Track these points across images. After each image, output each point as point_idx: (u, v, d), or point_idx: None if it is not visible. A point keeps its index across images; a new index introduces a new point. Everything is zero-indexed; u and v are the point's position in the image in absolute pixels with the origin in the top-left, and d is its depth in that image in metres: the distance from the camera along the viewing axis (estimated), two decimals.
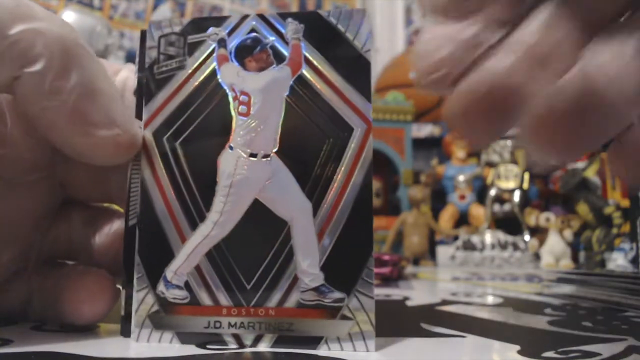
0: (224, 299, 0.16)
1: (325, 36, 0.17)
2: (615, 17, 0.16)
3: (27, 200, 0.18)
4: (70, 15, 0.84)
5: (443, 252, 0.77)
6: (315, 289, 0.16)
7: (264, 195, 0.17)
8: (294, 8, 1.52)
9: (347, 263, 0.16)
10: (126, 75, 0.20)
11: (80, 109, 0.16)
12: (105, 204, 0.22)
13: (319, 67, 0.17)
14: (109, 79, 0.17)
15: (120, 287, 0.18)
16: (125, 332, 0.17)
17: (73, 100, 0.15)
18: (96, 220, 0.20)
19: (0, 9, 0.14)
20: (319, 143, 0.17)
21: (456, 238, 0.80)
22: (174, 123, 0.17)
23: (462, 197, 0.89)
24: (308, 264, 0.16)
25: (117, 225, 0.20)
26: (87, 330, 0.18)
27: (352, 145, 0.17)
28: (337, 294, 0.16)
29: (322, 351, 0.16)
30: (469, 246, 0.74)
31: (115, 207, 0.22)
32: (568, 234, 0.69)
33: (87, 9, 1.17)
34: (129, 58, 1.24)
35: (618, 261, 0.54)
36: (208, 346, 0.16)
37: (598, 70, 0.15)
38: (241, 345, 0.16)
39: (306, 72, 0.17)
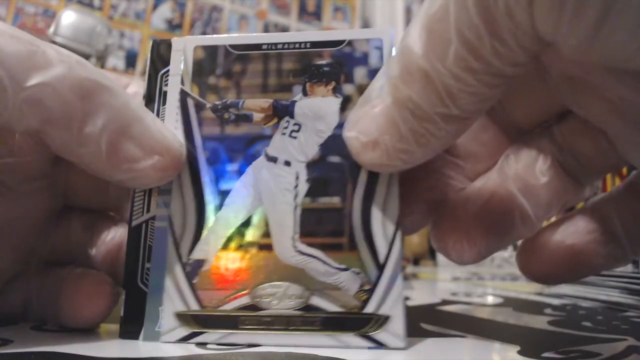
0: None
1: None
2: (533, 126, 0.17)
3: (30, 207, 0.18)
4: (70, 15, 0.84)
5: None
6: None
7: None
8: (294, 8, 1.52)
9: None
10: (135, 91, 0.20)
11: (115, 149, 0.15)
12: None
13: None
14: (134, 105, 0.16)
15: (122, 289, 0.17)
16: (125, 334, 0.17)
17: (105, 143, 0.15)
18: (95, 225, 0.20)
19: (15, 59, 0.14)
20: None
21: None
22: None
23: None
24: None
25: (115, 231, 0.20)
26: (87, 330, 0.18)
27: None
28: None
29: (322, 350, 0.16)
30: None
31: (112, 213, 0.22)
32: None
33: (87, 9, 1.17)
34: (129, 58, 1.24)
35: None
36: (208, 346, 0.16)
37: (514, 178, 0.16)
38: None
39: None
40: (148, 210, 0.18)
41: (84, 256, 0.20)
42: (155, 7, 1.32)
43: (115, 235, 0.20)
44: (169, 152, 0.17)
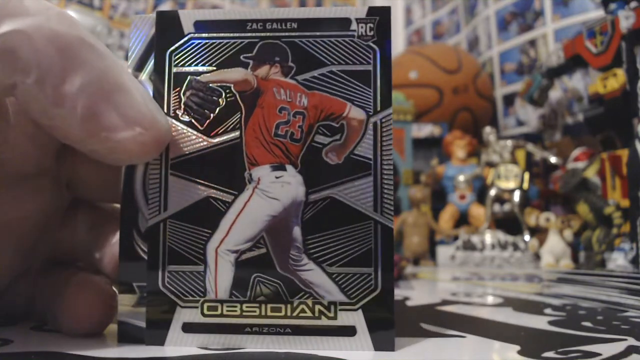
0: None
1: None
2: None
3: (33, 205, 0.18)
4: None
5: (443, 252, 0.77)
6: None
7: None
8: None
9: None
10: None
11: (92, 113, 0.14)
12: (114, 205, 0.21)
13: None
14: (123, 72, 0.15)
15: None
16: (150, 340, 0.16)
17: (82, 106, 0.14)
18: (101, 226, 0.19)
19: None
20: None
21: (456, 238, 0.80)
22: None
23: (462, 197, 0.89)
24: None
25: None
26: None
27: None
28: None
29: (321, 351, 0.16)
30: (469, 246, 0.74)
31: None
32: (568, 234, 0.69)
33: (87, 9, 1.17)
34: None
35: (618, 261, 0.54)
36: (209, 346, 0.16)
37: None
38: None
39: None
40: (165, 209, 0.17)
41: (88, 257, 0.19)
42: (155, 7, 1.31)
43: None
44: (153, 127, 0.15)
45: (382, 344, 0.16)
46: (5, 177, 0.17)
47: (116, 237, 0.19)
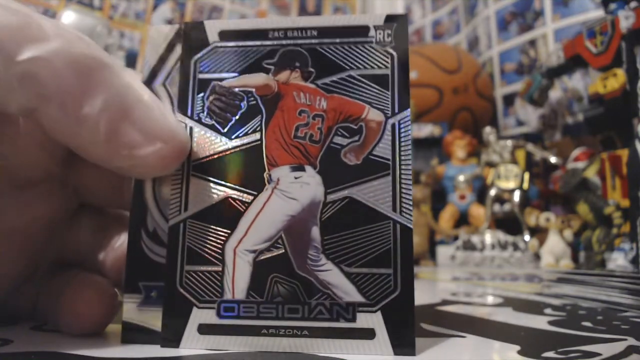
0: None
1: None
2: None
3: (42, 209, 0.18)
4: (70, 15, 0.84)
5: (443, 252, 0.77)
6: None
7: None
8: (294, 8, 1.51)
9: None
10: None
11: (115, 132, 0.14)
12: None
13: None
14: (140, 88, 0.15)
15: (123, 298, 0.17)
16: (165, 342, 0.16)
17: (104, 125, 0.14)
18: (106, 229, 0.19)
19: (5, 30, 0.13)
20: None
21: (456, 238, 0.80)
22: None
23: (462, 197, 0.89)
24: None
25: (126, 236, 0.19)
26: None
27: None
28: None
29: (322, 351, 0.16)
30: (469, 246, 0.74)
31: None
32: (568, 234, 0.69)
33: (87, 9, 1.17)
34: (129, 58, 1.24)
35: (618, 261, 0.54)
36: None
37: None
38: None
39: None
40: (186, 209, 0.17)
41: (92, 260, 0.19)
42: (155, 7, 1.32)
43: (124, 242, 0.19)
44: (173, 140, 0.15)
45: (402, 347, 0.15)
46: (14, 183, 0.17)
47: (120, 241, 0.19)
